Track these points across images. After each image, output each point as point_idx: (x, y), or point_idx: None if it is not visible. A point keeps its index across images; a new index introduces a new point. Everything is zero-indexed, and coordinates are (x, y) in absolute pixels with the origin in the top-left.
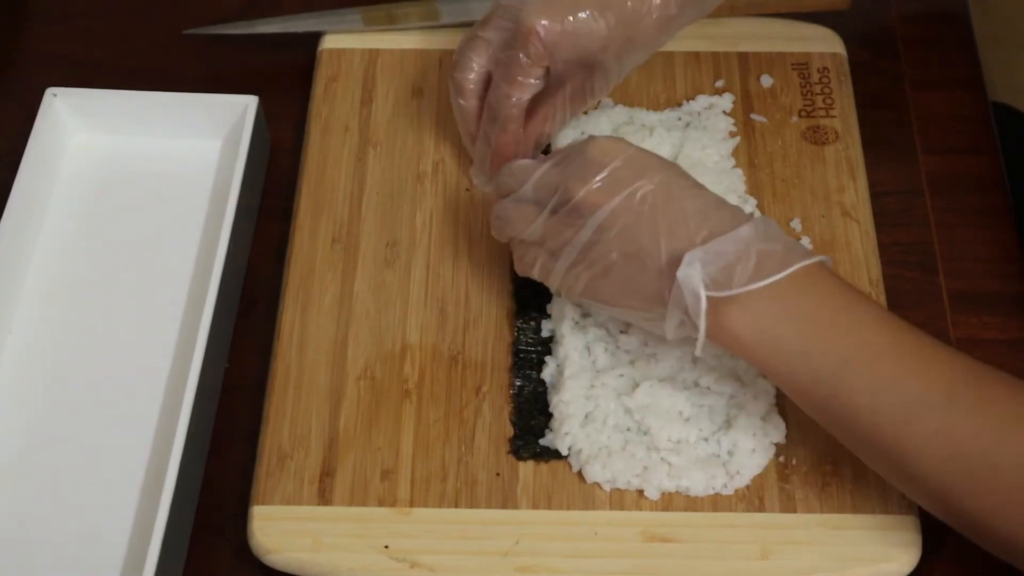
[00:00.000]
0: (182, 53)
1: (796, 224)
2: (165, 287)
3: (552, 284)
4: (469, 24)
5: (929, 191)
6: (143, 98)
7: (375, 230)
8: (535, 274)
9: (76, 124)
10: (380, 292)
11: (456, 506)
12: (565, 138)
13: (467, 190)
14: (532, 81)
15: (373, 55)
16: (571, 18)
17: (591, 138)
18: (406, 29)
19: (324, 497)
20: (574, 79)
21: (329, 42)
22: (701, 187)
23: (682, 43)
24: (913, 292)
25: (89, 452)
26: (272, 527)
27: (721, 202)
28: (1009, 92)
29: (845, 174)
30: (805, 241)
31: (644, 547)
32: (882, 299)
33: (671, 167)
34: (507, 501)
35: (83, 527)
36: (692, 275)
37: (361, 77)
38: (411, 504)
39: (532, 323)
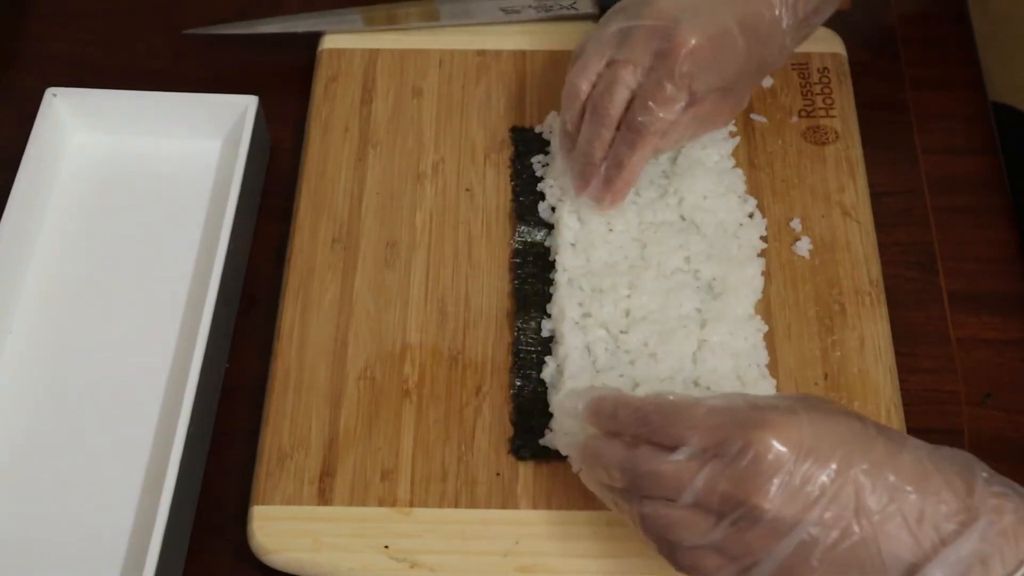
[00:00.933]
0: (182, 53)
1: (796, 224)
2: (165, 287)
3: None
4: (469, 24)
5: (929, 191)
6: (143, 98)
7: (375, 230)
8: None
9: (76, 124)
10: (380, 292)
11: (456, 506)
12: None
13: (467, 190)
14: (678, 105)
15: (373, 55)
16: (718, 35)
17: (753, 429)
18: (406, 29)
19: (324, 497)
20: (706, 101)
21: (329, 42)
22: (896, 455)
23: None
24: (913, 292)
25: (89, 452)
26: (272, 527)
27: (924, 470)
28: (1009, 92)
29: (845, 174)
30: (805, 241)
31: (644, 547)
32: (882, 299)
33: (855, 438)
34: (507, 501)
35: (83, 527)
36: None
37: (361, 77)
38: (411, 504)
39: (532, 323)
